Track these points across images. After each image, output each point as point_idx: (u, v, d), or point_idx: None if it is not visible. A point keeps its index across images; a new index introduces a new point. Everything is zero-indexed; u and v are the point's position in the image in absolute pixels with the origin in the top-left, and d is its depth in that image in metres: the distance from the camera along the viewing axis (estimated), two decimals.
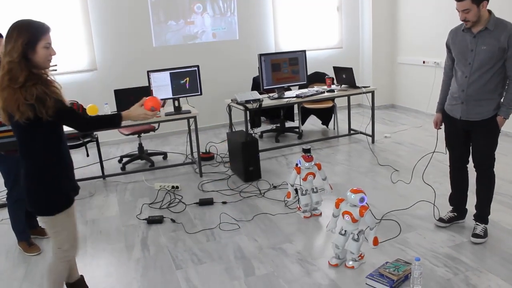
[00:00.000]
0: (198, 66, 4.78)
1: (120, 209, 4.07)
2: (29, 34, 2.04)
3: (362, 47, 7.56)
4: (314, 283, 2.74)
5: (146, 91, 4.62)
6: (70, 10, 5.84)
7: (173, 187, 4.40)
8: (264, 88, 5.24)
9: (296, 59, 5.33)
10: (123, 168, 5.14)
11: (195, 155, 5.04)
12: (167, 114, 4.62)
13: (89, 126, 2.38)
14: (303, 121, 6.36)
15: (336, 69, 5.63)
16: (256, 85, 6.06)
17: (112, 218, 3.89)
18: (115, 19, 6.07)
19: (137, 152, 5.39)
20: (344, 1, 7.30)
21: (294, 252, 3.11)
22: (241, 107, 4.84)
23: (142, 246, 3.35)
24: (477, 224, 3.14)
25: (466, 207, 3.32)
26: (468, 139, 3.08)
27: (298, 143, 5.77)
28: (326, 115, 6.40)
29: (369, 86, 5.54)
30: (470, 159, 3.12)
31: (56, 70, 4.35)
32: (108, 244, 3.43)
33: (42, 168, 2.17)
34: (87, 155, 5.18)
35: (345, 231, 2.86)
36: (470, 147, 3.10)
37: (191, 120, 4.82)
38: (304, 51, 5.39)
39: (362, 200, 2.78)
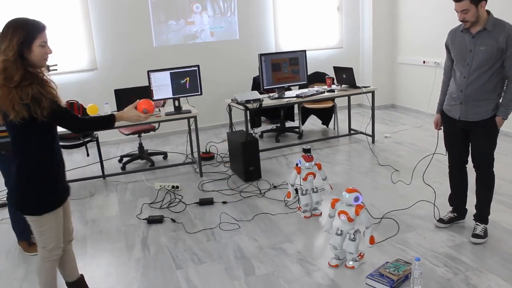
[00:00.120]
0: (198, 66, 4.78)
1: (120, 209, 4.07)
2: (25, 33, 2.03)
3: (362, 47, 7.56)
4: (314, 283, 2.74)
5: (146, 91, 4.63)
6: (70, 10, 5.84)
7: (173, 187, 4.40)
8: (264, 88, 5.24)
9: (296, 59, 5.33)
10: (123, 168, 5.15)
11: (195, 155, 5.04)
12: (167, 114, 4.62)
13: (83, 127, 2.39)
14: (303, 121, 6.36)
15: (336, 69, 5.63)
16: (256, 85, 6.07)
17: (112, 218, 3.89)
18: (115, 18, 6.07)
19: (137, 152, 5.39)
20: (344, 1, 7.30)
21: (294, 252, 3.11)
22: (241, 107, 4.84)
23: (142, 246, 3.35)
24: (477, 224, 3.14)
25: (466, 207, 3.33)
26: (467, 139, 3.08)
27: (298, 143, 5.77)
28: (326, 115, 6.40)
29: (369, 86, 5.54)
30: (470, 159, 3.12)
31: (56, 69, 4.36)
32: (108, 243, 3.43)
33: (36, 168, 2.17)
34: (87, 155, 5.18)
35: (341, 231, 2.86)
36: (469, 147, 3.10)
37: (191, 120, 4.82)
38: (304, 51, 5.39)
39: (357, 199, 2.79)
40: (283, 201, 3.97)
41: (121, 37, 6.14)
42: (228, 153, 5.07)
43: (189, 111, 4.68)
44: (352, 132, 6.01)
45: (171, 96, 4.70)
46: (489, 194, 3.11)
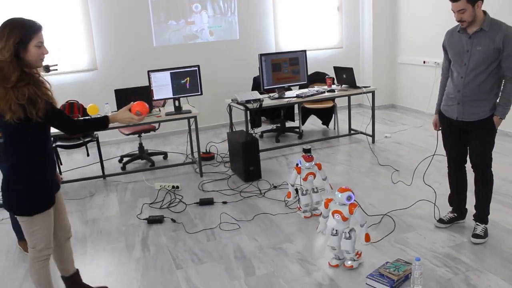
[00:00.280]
0: (198, 66, 4.78)
1: (121, 209, 4.07)
2: (21, 33, 2.03)
3: (362, 47, 7.56)
4: (314, 283, 2.74)
5: (146, 91, 4.63)
6: (70, 10, 5.84)
7: (173, 187, 4.40)
8: (265, 88, 5.24)
9: (296, 59, 5.33)
10: (123, 168, 5.15)
11: (196, 155, 5.04)
12: (167, 114, 4.62)
13: (78, 128, 2.40)
14: (303, 121, 6.36)
15: (337, 69, 5.63)
16: (257, 85, 6.07)
17: (112, 218, 3.90)
18: (115, 18, 6.08)
19: (137, 152, 5.39)
20: (345, 1, 7.30)
21: (294, 252, 3.11)
22: (242, 107, 4.84)
23: (142, 246, 3.35)
24: (477, 224, 3.14)
25: (466, 207, 3.32)
26: (465, 140, 3.07)
27: (298, 143, 5.77)
28: (326, 115, 6.40)
29: (370, 86, 5.54)
30: (468, 159, 3.12)
31: (57, 69, 4.35)
32: (108, 243, 3.43)
33: (30, 169, 2.18)
34: (88, 155, 5.19)
35: (336, 230, 2.87)
36: (468, 147, 3.10)
37: (192, 120, 4.82)
38: (305, 51, 5.39)
39: (349, 198, 2.80)
40: (283, 201, 3.97)
41: (121, 37, 6.14)
42: (228, 153, 5.07)
43: (189, 111, 4.68)
44: (352, 132, 6.01)
45: (171, 96, 4.70)
46: (488, 194, 3.10)
